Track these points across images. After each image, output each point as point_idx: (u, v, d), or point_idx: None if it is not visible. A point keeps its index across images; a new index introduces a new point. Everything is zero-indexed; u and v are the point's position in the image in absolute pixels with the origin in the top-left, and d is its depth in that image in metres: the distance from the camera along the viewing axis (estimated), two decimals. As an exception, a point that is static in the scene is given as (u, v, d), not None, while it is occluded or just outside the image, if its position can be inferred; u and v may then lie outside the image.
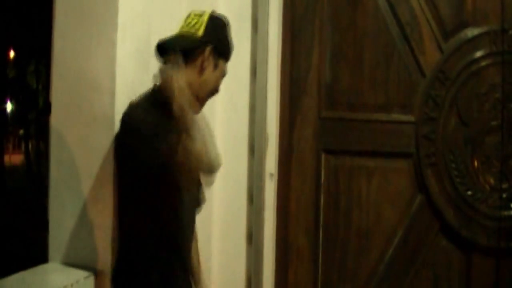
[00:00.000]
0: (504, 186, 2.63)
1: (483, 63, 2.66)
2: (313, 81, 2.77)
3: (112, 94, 1.89)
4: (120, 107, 1.88)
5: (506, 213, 2.63)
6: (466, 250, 2.67)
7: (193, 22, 1.88)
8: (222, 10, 1.97)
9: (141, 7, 2.05)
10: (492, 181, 2.64)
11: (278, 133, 2.75)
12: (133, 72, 1.99)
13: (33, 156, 21.85)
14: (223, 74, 1.90)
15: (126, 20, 1.93)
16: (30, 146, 22.98)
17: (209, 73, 1.85)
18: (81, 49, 1.92)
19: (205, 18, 1.87)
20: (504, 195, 2.63)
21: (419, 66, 2.70)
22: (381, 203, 2.72)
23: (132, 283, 1.76)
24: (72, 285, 1.79)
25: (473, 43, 2.66)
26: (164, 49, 1.85)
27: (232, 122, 2.72)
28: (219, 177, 2.66)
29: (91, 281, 1.88)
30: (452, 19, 2.69)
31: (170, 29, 1.91)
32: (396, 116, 2.72)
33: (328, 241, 2.76)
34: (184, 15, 1.89)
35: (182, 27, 1.88)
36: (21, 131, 27.74)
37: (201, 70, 1.84)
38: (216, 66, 1.86)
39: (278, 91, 2.74)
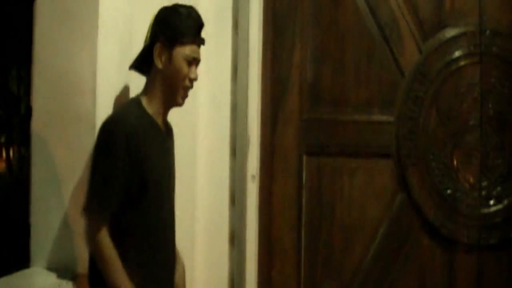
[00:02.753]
0: (484, 183, 2.66)
1: (462, 63, 2.69)
2: (295, 81, 2.78)
3: (94, 95, 1.89)
4: (102, 108, 1.89)
5: (485, 210, 2.66)
6: (447, 248, 2.69)
7: (147, 31, 1.91)
8: (202, 10, 1.97)
9: (122, 8, 2.05)
10: (471, 179, 2.67)
11: (260, 134, 2.75)
12: (114, 73, 1.99)
13: (15, 163, 21.59)
14: (187, 58, 1.87)
15: (107, 21, 1.93)
16: (12, 152, 22.70)
17: (167, 68, 1.86)
18: (62, 51, 1.92)
19: (152, 20, 1.90)
20: (484, 193, 2.66)
21: (398, 66, 2.73)
22: (363, 202, 2.73)
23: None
24: (54, 288, 1.79)
25: (452, 43, 2.70)
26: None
27: (214, 123, 2.72)
28: (202, 179, 2.68)
29: (73, 284, 1.87)
30: (430, 20, 2.72)
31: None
32: (376, 117, 2.74)
33: (311, 242, 2.77)
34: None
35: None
36: (3, 138, 27.42)
37: (159, 70, 1.86)
38: (170, 57, 1.85)
39: (259, 91, 2.75)
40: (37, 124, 1.95)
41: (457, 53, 2.69)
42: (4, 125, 22.88)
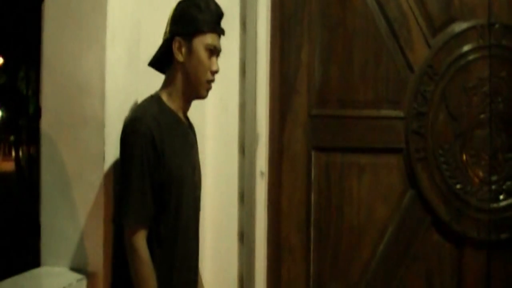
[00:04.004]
0: (493, 178, 2.66)
1: (471, 57, 2.68)
2: (303, 79, 2.78)
3: (102, 97, 1.88)
4: (111, 110, 1.89)
5: (495, 205, 2.65)
6: (457, 243, 2.69)
7: (166, 26, 1.90)
8: (210, 10, 1.96)
9: (130, 10, 2.04)
10: (481, 174, 2.66)
11: (268, 132, 2.75)
12: (123, 75, 1.99)
13: (24, 162, 21.74)
14: (208, 47, 1.84)
15: (115, 23, 1.93)
16: (21, 152, 22.85)
17: (188, 60, 1.84)
18: (71, 53, 1.92)
19: (171, 14, 1.88)
20: (494, 188, 2.65)
21: (407, 62, 2.72)
22: (372, 199, 2.73)
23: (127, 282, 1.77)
24: (64, 288, 1.79)
25: (461, 37, 2.69)
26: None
27: (223, 121, 2.72)
28: (210, 176, 2.68)
29: (83, 284, 1.87)
30: (439, 14, 2.71)
31: (159, 31, 1.92)
32: (385, 112, 2.73)
33: (320, 238, 2.77)
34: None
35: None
36: (12, 138, 27.61)
37: (180, 63, 1.85)
38: (191, 48, 1.83)
39: (267, 90, 2.74)
40: (46, 125, 1.95)
41: (466, 47, 2.68)
42: (13, 126, 23.07)
